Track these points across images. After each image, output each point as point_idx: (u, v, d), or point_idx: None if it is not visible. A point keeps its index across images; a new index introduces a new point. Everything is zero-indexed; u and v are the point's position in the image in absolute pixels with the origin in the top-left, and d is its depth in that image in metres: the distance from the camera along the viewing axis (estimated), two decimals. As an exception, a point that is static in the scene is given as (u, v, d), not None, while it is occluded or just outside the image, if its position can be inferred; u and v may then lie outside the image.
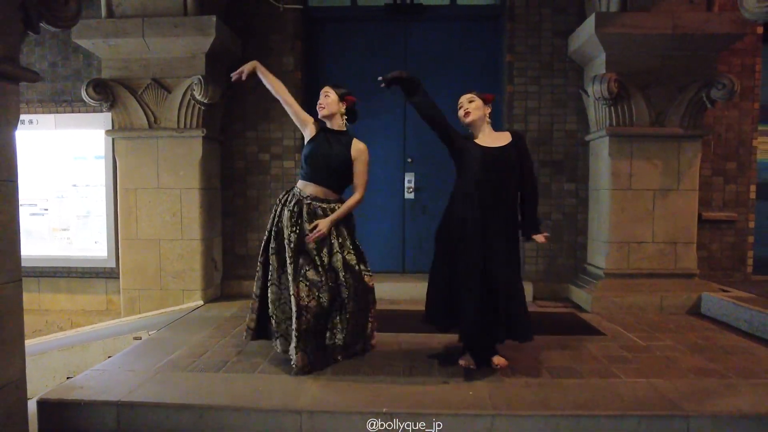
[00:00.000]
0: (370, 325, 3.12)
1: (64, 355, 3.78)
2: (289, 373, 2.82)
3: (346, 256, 2.96)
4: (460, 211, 2.85)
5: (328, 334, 2.92)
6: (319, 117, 3.05)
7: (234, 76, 3.07)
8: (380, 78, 2.85)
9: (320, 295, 2.84)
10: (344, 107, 3.05)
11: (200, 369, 2.95)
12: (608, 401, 2.48)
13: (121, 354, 3.27)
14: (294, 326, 2.78)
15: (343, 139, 3.02)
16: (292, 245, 2.86)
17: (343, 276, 2.92)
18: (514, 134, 2.93)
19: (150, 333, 3.73)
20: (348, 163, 2.98)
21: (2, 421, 2.25)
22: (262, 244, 3.08)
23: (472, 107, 2.89)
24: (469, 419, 2.34)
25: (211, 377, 2.82)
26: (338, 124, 3.05)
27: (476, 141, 2.90)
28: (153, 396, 2.54)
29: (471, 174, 2.82)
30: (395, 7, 5.07)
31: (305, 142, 3.07)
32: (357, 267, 2.99)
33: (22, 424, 2.38)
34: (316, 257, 2.88)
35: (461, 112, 2.92)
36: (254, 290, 3.10)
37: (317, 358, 2.87)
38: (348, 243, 2.99)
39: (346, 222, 3.01)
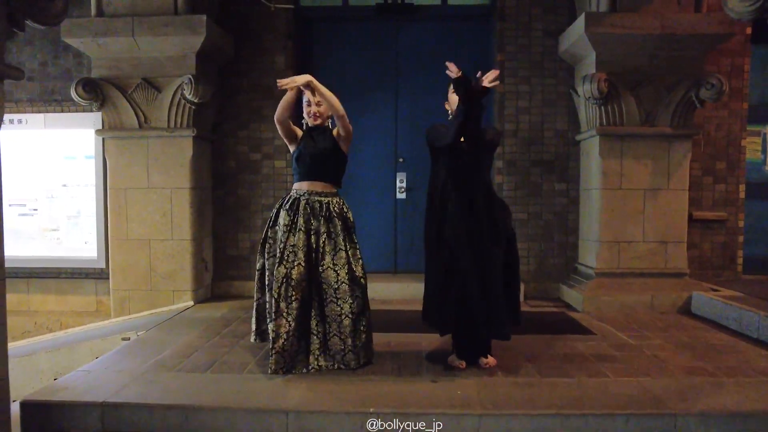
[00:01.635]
0: (364, 335, 2.96)
1: (51, 357, 3.75)
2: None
3: (340, 255, 2.93)
4: (439, 198, 2.86)
5: (314, 339, 2.90)
6: (310, 125, 3.02)
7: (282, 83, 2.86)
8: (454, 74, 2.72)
9: (301, 296, 2.83)
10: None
11: (188, 369, 2.93)
12: (596, 400, 2.48)
13: (108, 354, 3.25)
14: (272, 327, 2.78)
15: (327, 132, 3.01)
16: (283, 247, 2.85)
17: (338, 276, 2.89)
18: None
19: (138, 333, 3.71)
20: (337, 151, 2.97)
21: (-15, 423, 2.23)
22: (258, 251, 3.06)
23: None
24: (456, 418, 2.34)
25: (199, 377, 2.81)
26: (323, 121, 3.03)
27: None
28: (138, 396, 2.52)
29: (450, 159, 2.85)
30: (386, 6, 5.07)
31: (291, 149, 3.06)
32: (353, 267, 2.96)
33: (4, 426, 2.36)
34: (304, 255, 2.86)
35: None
36: (254, 296, 3.08)
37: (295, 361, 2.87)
38: (341, 239, 2.94)
39: (342, 218, 2.97)
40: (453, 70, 2.69)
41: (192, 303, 4.63)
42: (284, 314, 2.81)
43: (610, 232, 4.51)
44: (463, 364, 2.90)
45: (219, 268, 5.07)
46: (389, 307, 4.41)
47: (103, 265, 5.02)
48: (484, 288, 2.74)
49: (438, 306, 2.83)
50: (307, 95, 2.95)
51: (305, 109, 2.99)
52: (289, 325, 2.81)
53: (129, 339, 3.67)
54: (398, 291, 4.76)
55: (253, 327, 3.08)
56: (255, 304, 3.06)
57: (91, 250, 5.07)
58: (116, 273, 4.69)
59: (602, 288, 4.44)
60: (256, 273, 3.05)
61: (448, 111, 2.99)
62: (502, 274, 2.79)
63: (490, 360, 2.93)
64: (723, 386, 2.65)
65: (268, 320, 2.98)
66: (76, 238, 5.12)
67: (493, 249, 2.76)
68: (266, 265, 3.01)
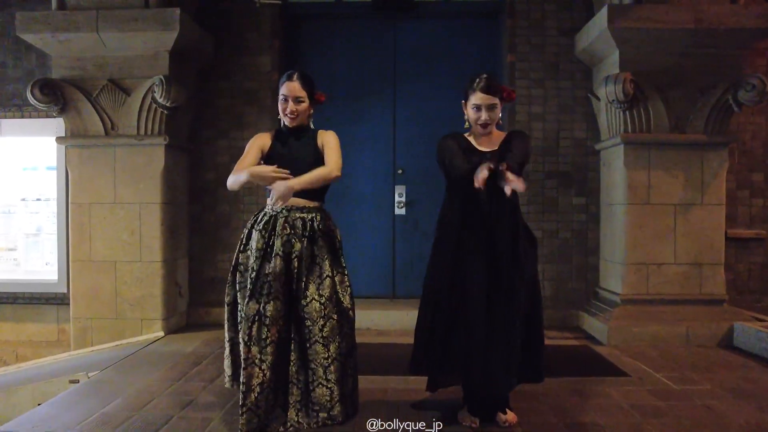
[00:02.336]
0: (351, 379, 2.46)
1: (-14, 403, 3.19)
2: (245, 435, 2.24)
3: (327, 284, 2.40)
4: (454, 227, 2.33)
5: (294, 390, 2.36)
6: (287, 124, 2.50)
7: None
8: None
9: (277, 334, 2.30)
10: (312, 108, 2.53)
11: (137, 426, 2.38)
12: (651, 476, 1.93)
13: (45, 405, 2.69)
14: (242, 379, 2.23)
15: (307, 134, 2.49)
16: (255, 276, 2.33)
17: (324, 309, 2.36)
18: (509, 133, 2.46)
19: (90, 375, 3.14)
20: (319, 161, 2.44)
21: None
22: (228, 280, 2.52)
23: (494, 116, 2.33)
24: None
25: (146, 441, 2.25)
26: (303, 121, 2.51)
27: (476, 146, 2.39)
28: (62, 472, 1.96)
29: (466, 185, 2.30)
30: (384, 2, 4.57)
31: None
32: (341, 297, 2.43)
33: None
34: (282, 286, 2.33)
35: (482, 120, 2.31)
36: (225, 335, 2.53)
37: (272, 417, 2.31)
38: (327, 264, 2.42)
39: (328, 237, 2.46)
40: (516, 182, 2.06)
41: (162, 333, 4.07)
42: (257, 361, 2.27)
43: (637, 253, 3.97)
44: (477, 422, 2.34)
45: (195, 292, 4.51)
46: (386, 340, 3.86)
47: (65, 290, 4.46)
48: (492, 340, 2.20)
49: (435, 356, 2.29)
50: (285, 89, 2.42)
51: (281, 106, 2.46)
52: (264, 375, 2.27)
53: (78, 381, 3.11)
54: (397, 320, 4.20)
55: (228, 371, 2.52)
56: (228, 344, 2.51)
57: (52, 273, 4.53)
58: (77, 299, 4.12)
59: (630, 317, 3.88)
60: (227, 308, 2.50)
61: (465, 119, 2.44)
62: (523, 324, 2.26)
63: (510, 416, 2.37)
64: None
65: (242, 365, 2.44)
66: (35, 259, 4.61)
67: (512, 294, 2.22)
68: (239, 299, 2.47)
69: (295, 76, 2.42)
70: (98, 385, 2.96)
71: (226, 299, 2.51)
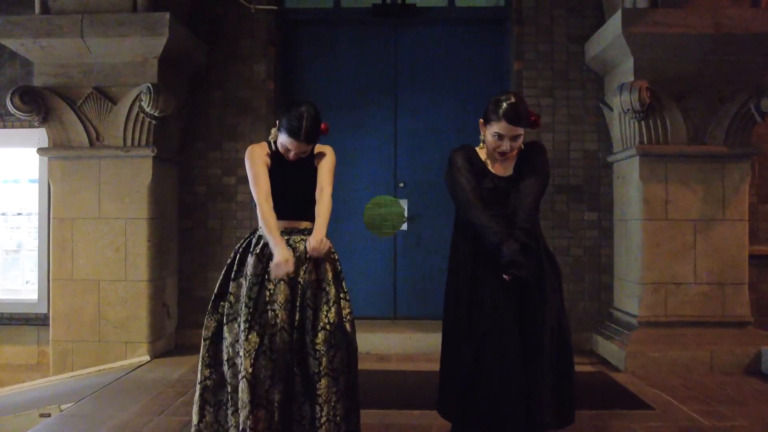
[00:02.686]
0: (355, 415, 2.21)
1: (-52, 440, 2.92)
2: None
3: (333, 311, 2.16)
4: (469, 256, 2.10)
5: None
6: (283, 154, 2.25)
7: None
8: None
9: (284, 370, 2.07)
10: None
11: (107, 473, 2.11)
12: None
13: (9, 444, 2.42)
14: (249, 423, 1.97)
15: (305, 159, 2.25)
16: (253, 305, 2.08)
17: (334, 339, 2.11)
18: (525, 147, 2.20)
19: (62, 408, 2.87)
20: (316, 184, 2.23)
21: None
22: (208, 311, 2.26)
23: (516, 146, 2.10)
24: None
25: (116, 492, 1.98)
26: None
27: (490, 168, 2.16)
28: None
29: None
30: (384, 8, 4.38)
31: None
32: (344, 325, 2.18)
33: None
34: (287, 315, 2.10)
35: (502, 149, 2.08)
36: (199, 375, 2.22)
37: None
38: (333, 290, 2.18)
39: (332, 260, 2.22)
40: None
41: (148, 357, 3.81)
42: (263, 403, 2.01)
43: (654, 272, 3.72)
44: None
45: (185, 313, 4.25)
46: (387, 366, 3.59)
47: (46, 310, 4.21)
48: (519, 377, 1.95)
49: (463, 397, 2.04)
50: (292, 146, 2.15)
51: (281, 148, 2.20)
52: (271, 417, 2.01)
53: (49, 415, 2.84)
54: (398, 343, 3.93)
55: (195, 419, 2.18)
56: (199, 386, 2.19)
57: (32, 292, 4.28)
58: (58, 321, 3.87)
59: (648, 341, 3.62)
60: (203, 343, 2.22)
61: (481, 138, 2.21)
62: (553, 357, 2.01)
63: (528, 461, 2.10)
64: None
65: (230, 410, 2.12)
66: (15, 277, 4.37)
67: (538, 327, 1.98)
68: (225, 333, 2.19)
69: (302, 135, 2.12)
70: (71, 420, 2.70)
71: (204, 333, 2.23)
